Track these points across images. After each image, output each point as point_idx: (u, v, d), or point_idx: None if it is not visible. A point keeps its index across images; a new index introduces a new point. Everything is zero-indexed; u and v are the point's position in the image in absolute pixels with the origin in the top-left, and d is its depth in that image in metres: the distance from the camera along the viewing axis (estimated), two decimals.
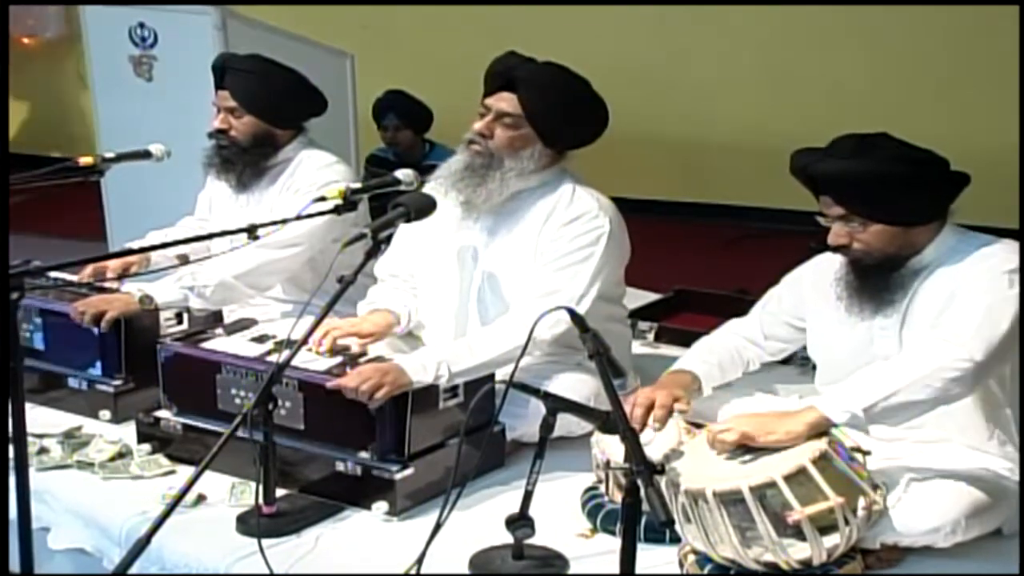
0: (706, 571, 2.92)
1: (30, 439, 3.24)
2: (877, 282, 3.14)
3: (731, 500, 2.78)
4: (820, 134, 3.25)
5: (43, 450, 3.75)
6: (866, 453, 2.92)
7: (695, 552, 2.95)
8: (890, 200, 3.05)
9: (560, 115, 3.71)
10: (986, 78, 6.83)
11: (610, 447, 3.15)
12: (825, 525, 2.77)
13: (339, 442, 3.44)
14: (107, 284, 4.33)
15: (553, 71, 3.77)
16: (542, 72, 3.76)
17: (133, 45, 6.20)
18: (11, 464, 3.28)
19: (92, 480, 3.65)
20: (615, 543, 2.94)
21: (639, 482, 2.55)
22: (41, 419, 3.85)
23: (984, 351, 2.89)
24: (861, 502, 2.80)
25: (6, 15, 8.35)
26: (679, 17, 7.37)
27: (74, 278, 4.38)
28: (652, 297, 4.84)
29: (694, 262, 6.30)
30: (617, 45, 7.32)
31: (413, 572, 2.89)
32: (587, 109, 3.81)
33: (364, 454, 3.39)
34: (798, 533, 2.76)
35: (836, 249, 3.17)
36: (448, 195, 3.70)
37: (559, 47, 4.32)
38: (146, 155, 4.29)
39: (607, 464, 3.17)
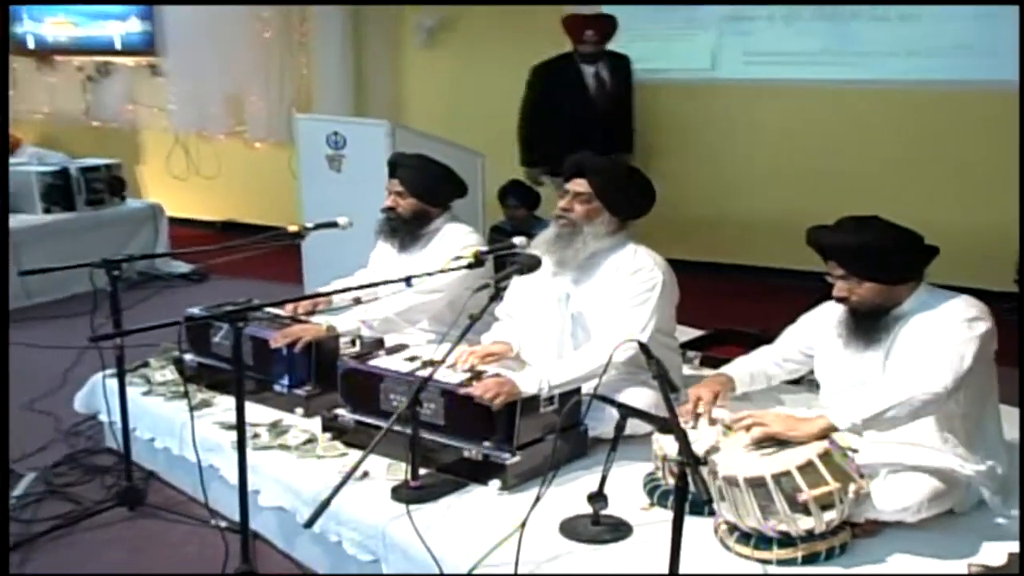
0: (734, 536, 2.97)
1: (248, 427, 3.39)
2: (868, 325, 3.21)
3: (756, 484, 2.85)
4: (829, 214, 3.32)
5: (256, 435, 3.84)
6: (855, 451, 2.98)
7: (727, 522, 3.00)
8: (879, 265, 3.14)
9: (619, 192, 3.79)
10: (985, 165, 6.69)
11: (666, 444, 3.21)
12: (826, 504, 2.84)
13: (466, 435, 3.49)
14: (303, 317, 4.42)
15: (610, 161, 3.89)
16: (603, 161, 3.88)
17: (329, 147, 6.33)
18: (232, 443, 3.42)
19: (289, 458, 3.74)
20: (667, 514, 2.98)
21: (688, 470, 2.58)
22: (255, 413, 3.90)
23: (953, 381, 2.97)
24: (852, 487, 2.86)
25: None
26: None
27: (281, 312, 4.44)
28: (697, 333, 4.87)
29: (729, 308, 6.29)
30: None
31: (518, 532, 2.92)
32: (638, 188, 3.88)
33: (486, 444, 3.44)
34: (805, 509, 2.83)
35: (839, 300, 3.25)
36: (545, 255, 3.76)
37: None
38: (334, 225, 4.40)
39: (664, 457, 3.22)
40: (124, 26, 9.52)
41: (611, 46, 6.83)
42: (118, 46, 9.61)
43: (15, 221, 7.25)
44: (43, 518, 4.02)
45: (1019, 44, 6.30)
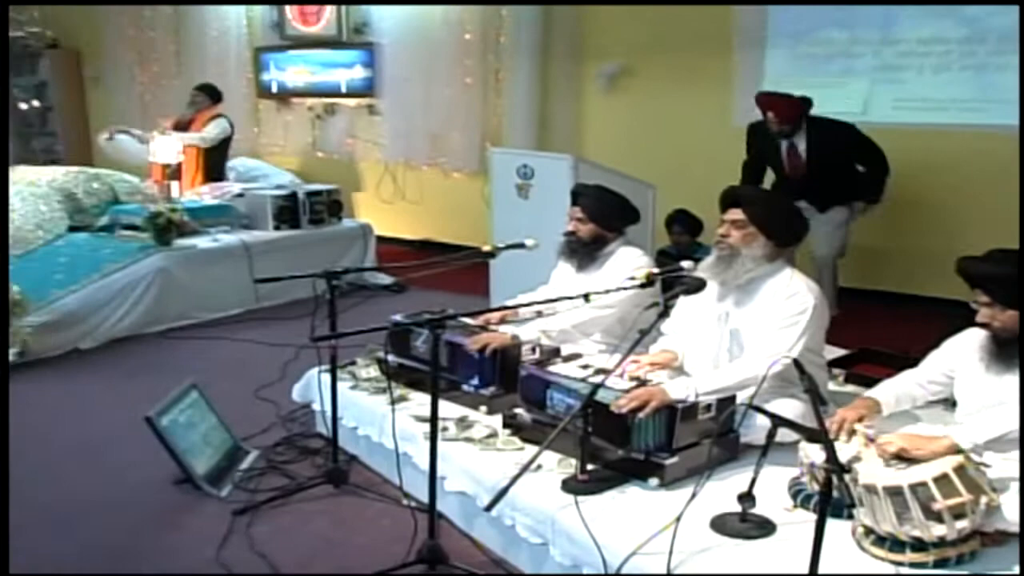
0: (870, 539, 2.90)
1: (439, 421, 3.41)
2: (1008, 350, 3.09)
3: (894, 492, 2.78)
4: (973, 246, 3.24)
5: (445, 428, 3.86)
6: (988, 466, 2.88)
7: (864, 526, 2.93)
8: (1022, 294, 3.03)
9: (772, 219, 3.75)
10: None
11: (812, 452, 3.14)
12: (958, 513, 2.74)
13: (610, 439, 3.42)
14: (492, 327, 4.48)
15: (763, 191, 3.83)
16: (756, 191, 3.83)
17: (518, 177, 6.40)
18: (425, 434, 3.49)
19: (473, 450, 3.77)
20: (808, 516, 3.03)
21: (833, 477, 2.55)
22: (445, 409, 3.89)
23: None
24: (983, 500, 2.76)
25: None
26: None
27: (471, 321, 4.51)
28: (843, 352, 4.73)
29: (874, 330, 6.10)
30: None
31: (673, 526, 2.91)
32: (790, 216, 3.84)
33: (621, 451, 3.41)
34: (939, 518, 2.74)
35: (981, 326, 3.14)
36: (709, 277, 3.72)
37: None
38: (522, 246, 4.40)
39: (811, 464, 3.15)
40: (350, 73, 9.91)
41: (740, 82, 6.68)
42: (343, 90, 9.99)
43: (251, 236, 7.59)
44: (264, 489, 4.18)
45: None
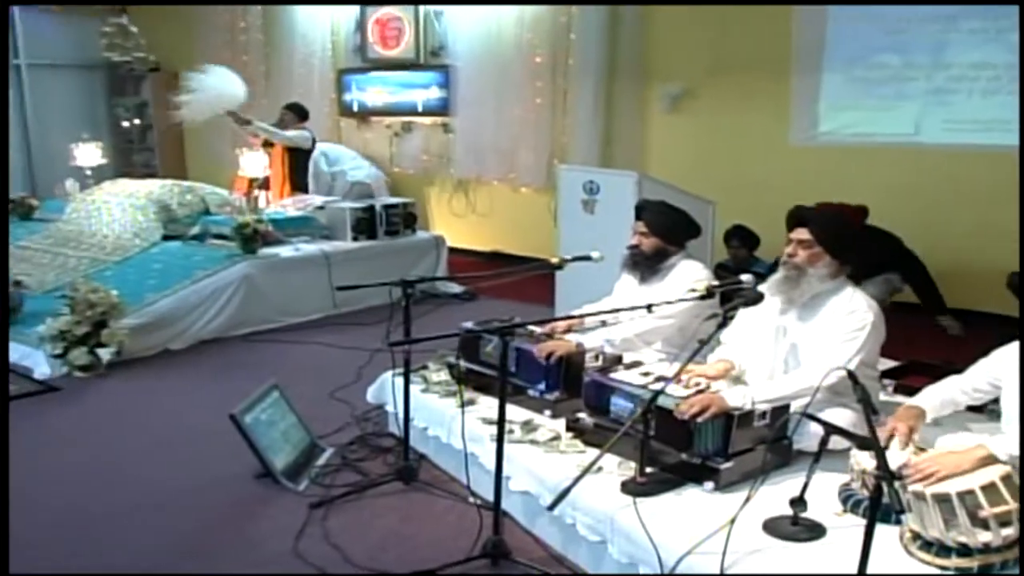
0: (917, 544, 2.87)
1: (506, 425, 3.46)
2: None
3: (942, 499, 2.75)
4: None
5: (511, 431, 3.86)
6: None
7: (911, 531, 2.90)
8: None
9: (837, 239, 3.71)
10: None
11: (863, 459, 3.12)
12: (1004, 521, 2.71)
13: (673, 444, 3.43)
14: (558, 335, 4.44)
15: (827, 211, 3.79)
16: (822, 212, 3.78)
17: (584, 192, 6.39)
18: (492, 435, 3.51)
19: (537, 452, 3.78)
20: (857, 521, 3.01)
21: (883, 483, 2.54)
22: (511, 412, 3.87)
23: None
24: None
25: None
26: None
27: (538, 330, 4.49)
28: (893, 364, 4.66)
29: (922, 343, 5.98)
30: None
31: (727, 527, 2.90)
32: (854, 236, 3.79)
33: (684, 455, 3.41)
34: (985, 525, 2.71)
35: None
36: (775, 295, 3.73)
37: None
38: (588, 258, 4.39)
39: (863, 471, 3.12)
40: (426, 93, 10.02)
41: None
42: (420, 109, 10.11)
43: (330, 246, 7.70)
44: (338, 484, 4.23)
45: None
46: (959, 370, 3.47)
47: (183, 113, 8.97)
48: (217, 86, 8.89)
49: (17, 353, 6.10)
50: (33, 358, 6.00)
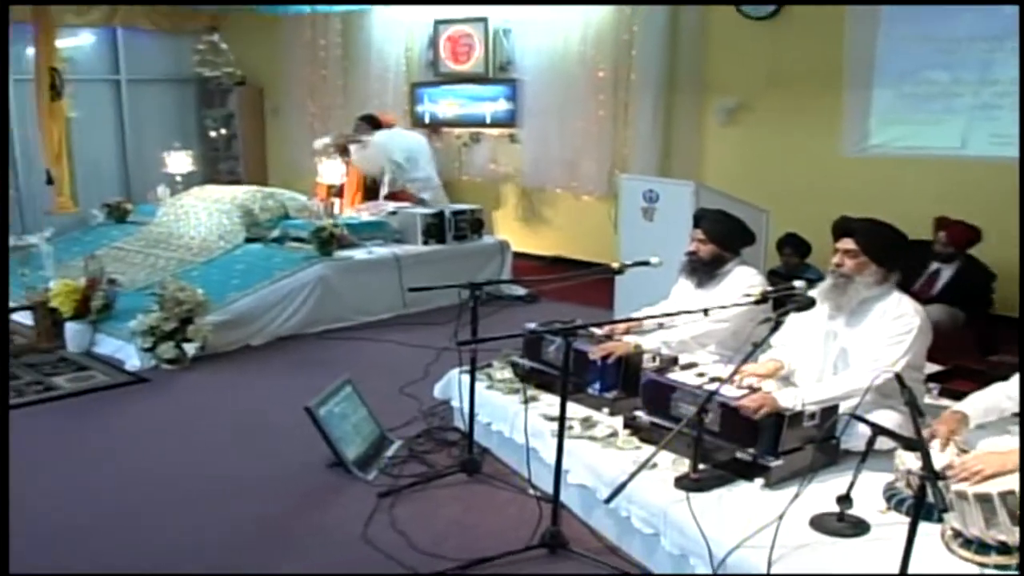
0: (958, 541, 2.84)
1: (566, 421, 3.49)
2: None
3: (983, 499, 2.73)
4: None
5: (570, 427, 3.86)
6: None
7: (953, 529, 2.87)
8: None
9: (882, 247, 3.68)
10: None
11: (908, 459, 3.10)
12: None
13: (739, 440, 3.46)
14: (617, 336, 4.45)
15: (871, 222, 3.75)
16: (866, 223, 3.75)
17: (644, 201, 6.39)
18: (552, 431, 3.53)
19: (594, 447, 3.79)
20: (900, 518, 3.00)
21: (927, 483, 2.52)
22: (571, 410, 3.77)
23: None
24: None
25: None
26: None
27: (599, 331, 4.50)
28: (938, 368, 4.60)
29: (967, 348, 5.83)
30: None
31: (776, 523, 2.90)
32: (899, 244, 3.75)
33: (751, 449, 3.41)
34: None
35: None
36: (824, 301, 3.71)
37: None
38: (648, 263, 4.44)
39: (908, 471, 3.10)
40: (494, 106, 10.06)
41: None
42: (488, 121, 10.15)
43: (401, 250, 7.76)
44: (405, 475, 4.29)
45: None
46: (1004, 376, 3.41)
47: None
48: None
49: (111, 346, 6.30)
50: (125, 351, 6.18)
